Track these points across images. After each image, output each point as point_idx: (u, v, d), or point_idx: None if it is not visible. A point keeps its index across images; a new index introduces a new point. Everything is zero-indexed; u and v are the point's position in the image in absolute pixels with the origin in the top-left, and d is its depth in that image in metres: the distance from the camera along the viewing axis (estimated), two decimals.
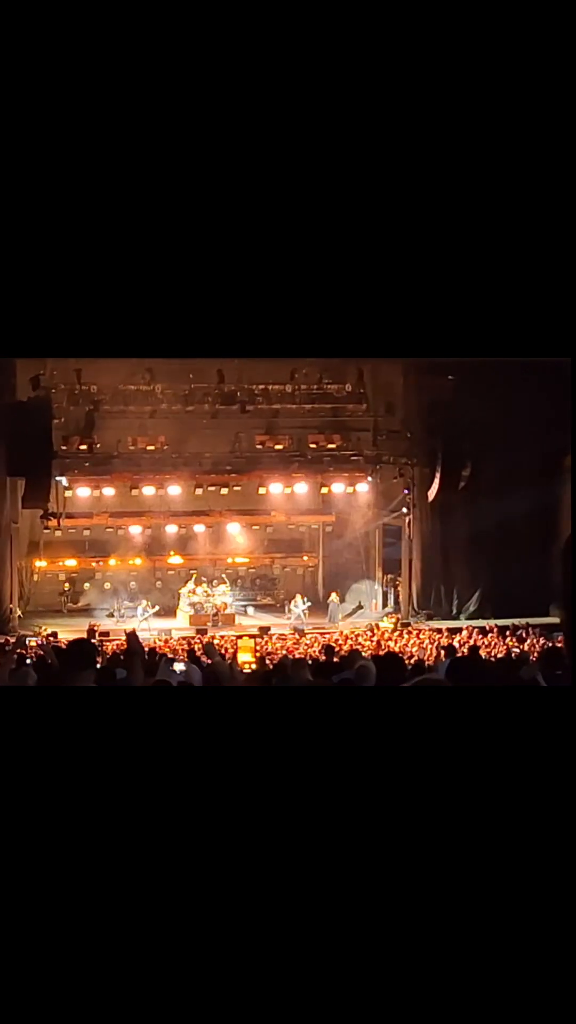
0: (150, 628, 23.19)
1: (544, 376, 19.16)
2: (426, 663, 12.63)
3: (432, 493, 23.70)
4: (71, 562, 26.69)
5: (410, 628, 22.71)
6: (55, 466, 22.35)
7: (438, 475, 23.36)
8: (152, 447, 24.29)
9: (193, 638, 21.31)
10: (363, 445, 25.03)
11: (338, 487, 25.66)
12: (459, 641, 18.45)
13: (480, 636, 19.84)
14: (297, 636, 22.33)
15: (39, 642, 18.40)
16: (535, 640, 18.71)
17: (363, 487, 25.69)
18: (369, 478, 25.43)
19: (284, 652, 17.42)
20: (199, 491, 24.99)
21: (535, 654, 14.33)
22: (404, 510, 24.89)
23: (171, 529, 26.21)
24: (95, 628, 22.19)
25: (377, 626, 23.54)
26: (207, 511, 26.26)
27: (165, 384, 24.06)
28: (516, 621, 21.23)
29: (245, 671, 11.85)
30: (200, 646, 17.95)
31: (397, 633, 22.04)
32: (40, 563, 26.12)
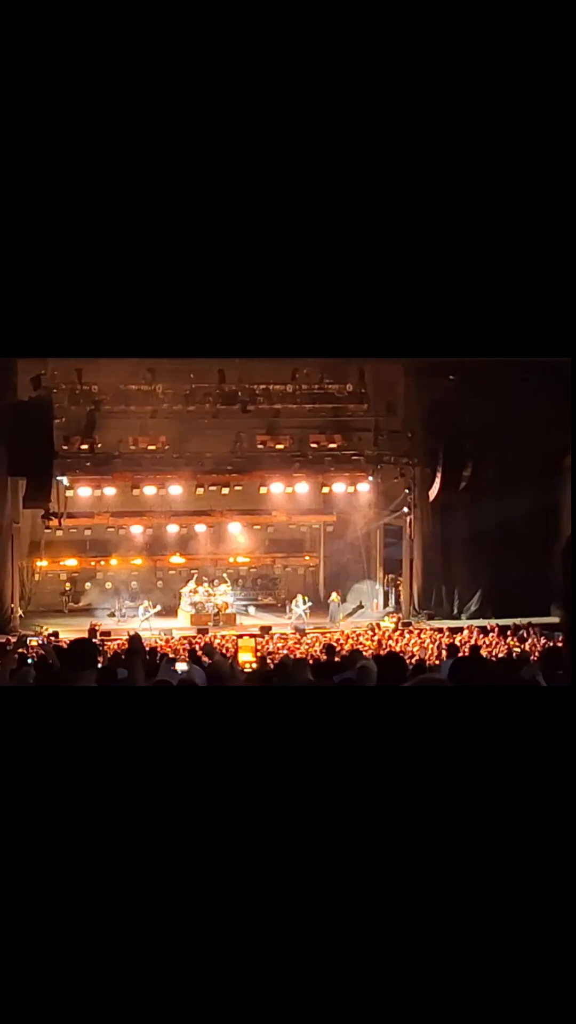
0: (151, 628, 23.19)
1: (545, 376, 19.15)
2: (427, 663, 12.63)
3: (433, 493, 23.69)
4: (72, 562, 26.69)
5: (411, 628, 22.70)
6: (56, 466, 22.33)
7: (439, 475, 23.34)
8: (153, 447, 24.27)
9: (194, 638, 21.31)
10: (364, 445, 25.00)
11: (339, 487, 25.66)
12: (460, 640, 18.44)
13: (481, 636, 19.83)
14: (298, 636, 22.32)
15: (40, 642, 18.39)
16: (536, 640, 18.70)
17: (364, 487, 25.68)
18: (370, 478, 25.41)
19: (285, 652, 17.41)
20: (200, 491, 24.97)
21: (536, 654, 14.32)
22: (405, 510, 24.88)
23: (172, 529, 26.20)
24: (96, 628, 22.18)
25: (378, 626, 23.52)
26: (208, 511, 26.25)
27: (166, 384, 24.04)
28: (517, 621, 21.22)
29: (246, 671, 11.85)
30: (201, 646, 17.97)
31: (398, 633, 22.03)
32: (41, 563, 26.10)
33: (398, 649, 17.77)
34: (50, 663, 8.15)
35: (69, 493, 24.02)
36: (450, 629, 21.54)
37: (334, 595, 25.68)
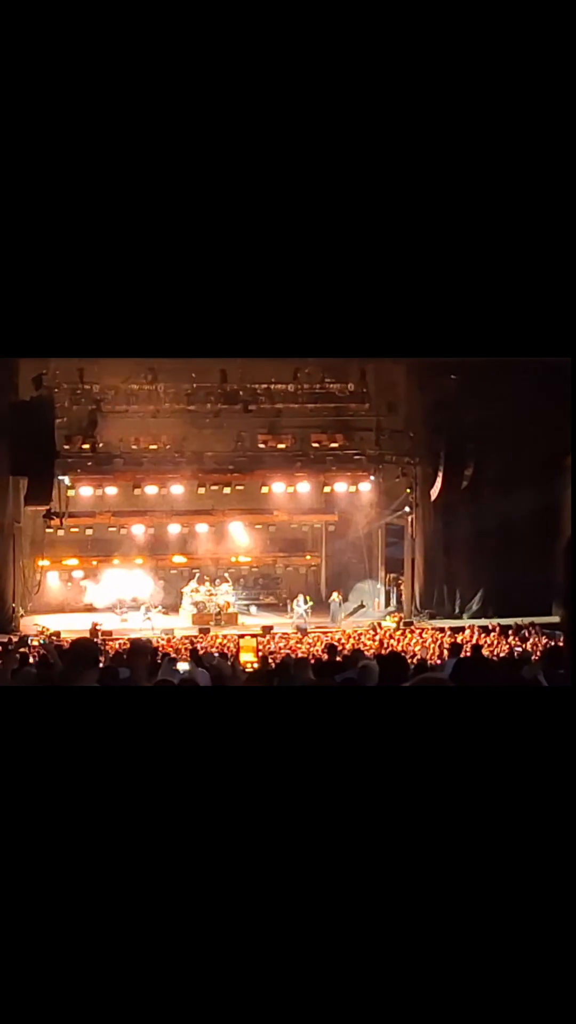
0: (153, 627, 23.23)
1: (547, 376, 19.14)
2: (429, 662, 12.63)
3: (435, 492, 23.69)
4: (73, 561, 26.71)
5: (413, 627, 22.71)
6: (57, 465, 22.36)
7: (440, 474, 23.34)
8: (155, 446, 24.31)
9: (196, 637, 21.33)
10: (366, 444, 25.02)
11: (341, 486, 25.67)
12: (462, 640, 18.45)
13: (483, 635, 19.83)
14: (300, 635, 22.33)
15: (42, 642, 18.40)
16: (537, 639, 18.70)
17: (366, 486, 25.69)
18: (372, 477, 25.43)
19: (287, 651, 17.42)
20: (202, 490, 25.00)
21: (537, 653, 14.32)
22: (406, 509, 24.89)
23: (174, 528, 26.22)
24: (98, 627, 22.21)
25: (380, 625, 23.54)
26: (210, 510, 26.27)
27: (167, 383, 24.06)
28: (519, 620, 21.22)
29: (247, 670, 11.86)
30: (202, 646, 17.98)
31: (400, 632, 22.04)
32: (43, 562, 26.13)
33: (399, 649, 17.77)
34: (51, 663, 8.16)
35: (70, 492, 24.04)
36: (452, 629, 21.54)
37: (334, 595, 25.69)
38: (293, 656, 13.35)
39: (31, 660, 11.81)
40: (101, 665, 6.97)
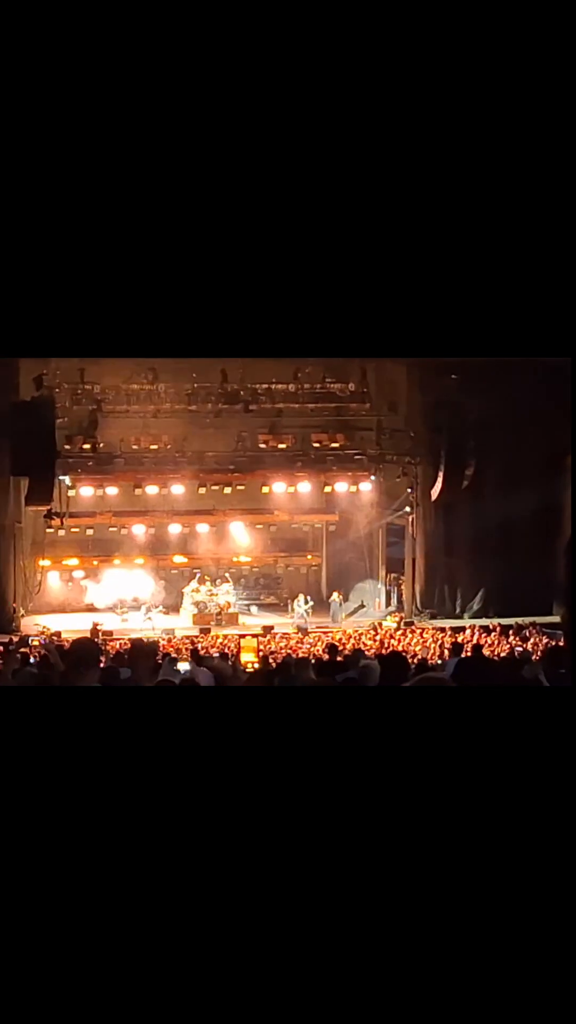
0: (154, 627, 23.23)
1: (548, 375, 19.14)
2: (429, 662, 12.64)
3: (435, 492, 23.69)
4: (73, 561, 26.71)
5: (413, 627, 22.71)
6: (58, 465, 22.36)
7: (441, 474, 23.34)
8: (155, 446, 24.31)
9: (196, 637, 21.33)
10: (366, 444, 25.03)
11: (341, 486, 25.67)
12: (463, 640, 18.45)
13: (484, 635, 19.83)
14: (301, 635, 22.33)
15: (42, 642, 18.41)
16: (538, 639, 18.71)
17: (366, 486, 25.69)
18: (372, 477, 25.43)
19: (288, 651, 17.43)
20: (202, 490, 24.99)
21: (538, 653, 14.32)
22: (407, 509, 24.89)
23: (174, 528, 26.22)
24: (99, 627, 22.21)
25: (381, 625, 23.54)
26: (210, 510, 26.27)
27: (168, 383, 24.06)
28: (520, 620, 21.22)
29: (248, 670, 11.86)
30: (203, 646, 17.99)
31: (401, 632, 22.05)
32: (44, 562, 26.13)
33: (400, 648, 17.77)
34: (52, 663, 8.16)
35: (71, 492, 24.04)
36: (452, 628, 21.54)
37: (335, 595, 25.69)
38: (294, 656, 13.35)
39: (32, 660, 11.81)
40: (102, 665, 6.98)
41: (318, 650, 17.16)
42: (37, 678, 8.11)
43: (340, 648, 13.96)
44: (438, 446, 23.38)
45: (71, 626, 22.42)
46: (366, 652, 12.83)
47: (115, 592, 26.29)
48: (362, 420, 25.39)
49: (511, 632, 20.13)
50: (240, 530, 27.28)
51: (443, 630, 21.44)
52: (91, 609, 25.84)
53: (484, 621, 22.35)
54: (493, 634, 20.00)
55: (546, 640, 18.03)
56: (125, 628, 23.41)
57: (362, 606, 26.42)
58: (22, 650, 15.24)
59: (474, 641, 18.06)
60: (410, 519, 24.94)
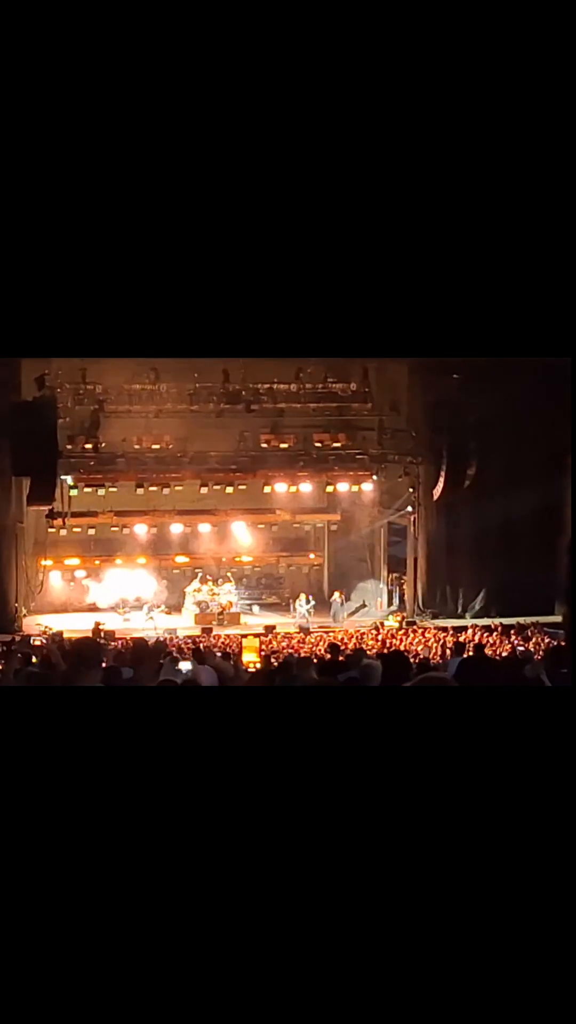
0: (156, 627, 23.23)
1: (549, 375, 19.12)
2: (431, 661, 12.64)
3: (437, 492, 23.67)
4: (75, 561, 26.71)
5: (415, 627, 22.70)
6: (60, 465, 22.36)
7: (443, 473, 23.32)
8: (157, 446, 24.29)
9: (199, 637, 21.33)
10: (368, 444, 25.02)
11: (343, 486, 25.65)
12: (464, 639, 18.44)
13: (485, 635, 19.82)
14: (302, 635, 22.33)
15: (44, 641, 18.40)
16: (540, 639, 18.69)
17: (368, 486, 25.68)
18: (374, 477, 25.42)
19: (290, 651, 17.43)
20: (204, 490, 24.98)
21: (540, 653, 14.32)
22: (409, 508, 24.87)
23: (176, 528, 26.21)
24: (100, 627, 22.20)
25: (382, 625, 23.53)
26: (212, 510, 26.26)
27: (170, 383, 24.04)
28: (521, 620, 21.20)
29: (250, 670, 11.87)
30: (205, 646, 17.99)
31: (402, 632, 22.03)
32: (46, 562, 26.13)
33: (402, 648, 17.76)
34: (54, 663, 8.17)
35: (73, 492, 24.03)
36: (454, 628, 21.53)
37: (337, 594, 25.68)
38: (296, 655, 13.36)
39: (34, 660, 11.81)
40: (104, 665, 6.99)
41: (320, 650, 17.15)
42: (39, 678, 8.12)
43: (342, 648, 13.95)
44: (439, 446, 23.36)
45: (73, 626, 22.42)
46: (368, 652, 12.83)
47: (117, 592, 26.30)
48: (364, 420, 25.38)
49: (513, 632, 20.11)
50: (242, 530, 27.28)
51: (445, 630, 21.41)
52: (93, 609, 25.84)
53: (486, 621, 22.33)
54: (495, 634, 19.98)
55: (548, 640, 18.02)
56: (127, 628, 23.41)
57: (364, 606, 26.40)
58: (24, 650, 15.22)
59: (476, 641, 18.03)
60: (412, 519, 24.93)
